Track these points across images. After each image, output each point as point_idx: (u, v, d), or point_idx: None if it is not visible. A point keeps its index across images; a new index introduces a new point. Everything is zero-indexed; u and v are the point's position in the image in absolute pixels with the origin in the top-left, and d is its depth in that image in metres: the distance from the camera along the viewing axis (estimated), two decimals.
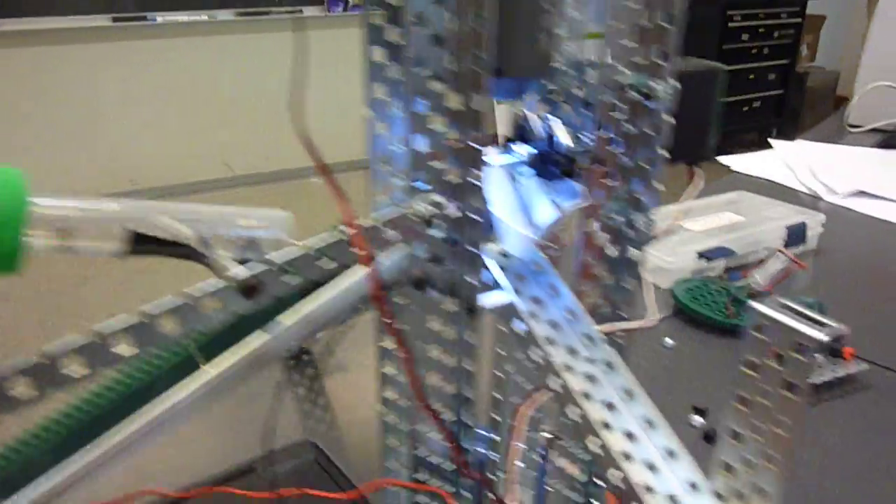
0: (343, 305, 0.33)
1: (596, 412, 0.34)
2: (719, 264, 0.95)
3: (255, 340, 0.32)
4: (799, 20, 4.42)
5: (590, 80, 0.36)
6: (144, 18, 3.18)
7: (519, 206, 0.37)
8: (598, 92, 0.35)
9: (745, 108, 4.45)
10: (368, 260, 0.29)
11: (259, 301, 0.29)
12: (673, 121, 0.35)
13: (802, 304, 0.73)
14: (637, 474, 0.32)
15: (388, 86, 0.33)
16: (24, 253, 0.25)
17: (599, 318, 0.42)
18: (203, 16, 3.26)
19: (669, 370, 0.77)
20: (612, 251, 0.39)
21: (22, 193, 0.25)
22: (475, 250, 0.34)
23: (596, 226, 0.39)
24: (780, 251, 0.96)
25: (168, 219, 0.28)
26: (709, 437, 0.66)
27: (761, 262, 0.97)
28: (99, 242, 0.27)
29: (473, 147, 0.33)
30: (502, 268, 0.40)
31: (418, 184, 0.32)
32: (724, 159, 1.47)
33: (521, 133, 0.37)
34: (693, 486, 0.33)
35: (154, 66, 3.22)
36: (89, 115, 3.10)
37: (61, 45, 3.02)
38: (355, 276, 0.33)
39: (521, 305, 0.38)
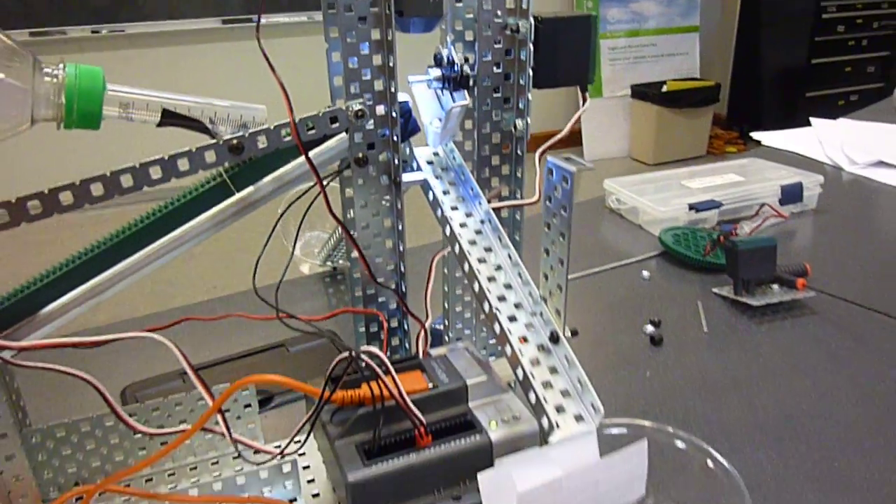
0: (303, 170, 0.50)
1: (476, 252, 0.50)
2: (711, 216, 1.06)
3: (247, 191, 0.49)
4: None
5: (478, 21, 0.51)
6: (250, 20, 3.50)
7: (433, 112, 0.53)
8: (483, 28, 0.50)
9: (842, 102, 4.35)
10: (297, 139, 0.45)
11: (243, 157, 0.46)
12: (532, 47, 0.50)
13: (756, 239, 0.85)
14: (494, 298, 0.47)
15: (339, 27, 0.49)
16: (102, 116, 0.43)
17: (503, 201, 0.57)
18: (303, 17, 3.55)
19: (641, 296, 0.90)
20: (506, 148, 0.54)
21: (102, 81, 0.43)
22: (397, 139, 0.50)
23: (489, 127, 0.54)
24: (768, 205, 1.06)
25: (189, 103, 0.46)
26: (654, 340, 0.79)
27: (754, 216, 1.08)
28: (145, 115, 0.45)
29: (390, 66, 0.49)
30: (430, 162, 0.56)
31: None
32: (756, 135, 1.55)
33: (438, 60, 0.53)
34: (541, 317, 0.47)
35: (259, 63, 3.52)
36: None
37: (176, 45, 3.38)
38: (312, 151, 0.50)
39: (438, 184, 0.54)
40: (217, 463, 0.60)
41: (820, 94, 4.24)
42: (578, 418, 0.42)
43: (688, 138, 4.14)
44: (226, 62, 3.45)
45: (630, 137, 4.24)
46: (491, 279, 0.48)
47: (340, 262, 0.96)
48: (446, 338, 0.65)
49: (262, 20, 3.53)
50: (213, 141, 0.45)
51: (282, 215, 0.60)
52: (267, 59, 0.44)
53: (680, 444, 0.48)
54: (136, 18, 3.28)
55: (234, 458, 0.60)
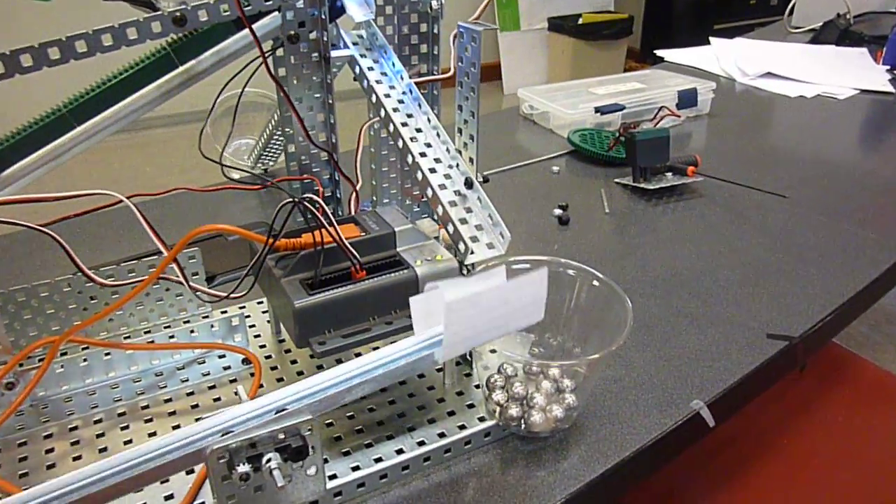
0: (245, 43, 0.55)
1: (399, 118, 0.56)
2: (615, 119, 1.15)
3: (190, 63, 0.54)
4: None
5: None
6: None
7: None
8: None
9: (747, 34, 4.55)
10: (241, 10, 0.50)
11: (186, 28, 0.51)
12: None
13: (652, 131, 0.94)
14: (417, 154, 0.54)
15: None
16: None
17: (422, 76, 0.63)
18: None
19: (551, 187, 0.99)
20: (423, 28, 0.61)
21: None
22: (325, 17, 0.56)
23: (407, 7, 0.60)
24: (666, 107, 1.16)
25: None
26: (561, 220, 0.88)
27: (653, 119, 1.18)
28: None
29: None
30: (355, 42, 0.62)
31: None
32: (660, 52, 1.65)
33: None
34: (459, 168, 0.55)
35: None
36: None
37: None
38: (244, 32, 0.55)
39: (364, 60, 0.60)
40: (169, 327, 0.66)
41: (727, 27, 4.41)
42: (490, 245, 0.50)
43: (603, 69, 4.25)
44: None
45: (548, 70, 4.33)
46: (413, 139, 0.55)
47: (271, 163, 1.00)
48: (374, 181, 0.72)
49: None
50: (159, 12, 0.50)
51: (219, 94, 0.65)
52: None
53: (571, 271, 0.57)
54: None
55: (185, 322, 0.66)
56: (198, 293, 0.53)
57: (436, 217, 0.52)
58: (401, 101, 0.57)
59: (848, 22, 1.74)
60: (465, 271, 0.53)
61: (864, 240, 0.83)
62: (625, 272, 0.77)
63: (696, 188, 0.96)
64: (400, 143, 0.54)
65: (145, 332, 0.65)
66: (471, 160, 0.54)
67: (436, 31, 0.61)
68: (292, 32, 0.56)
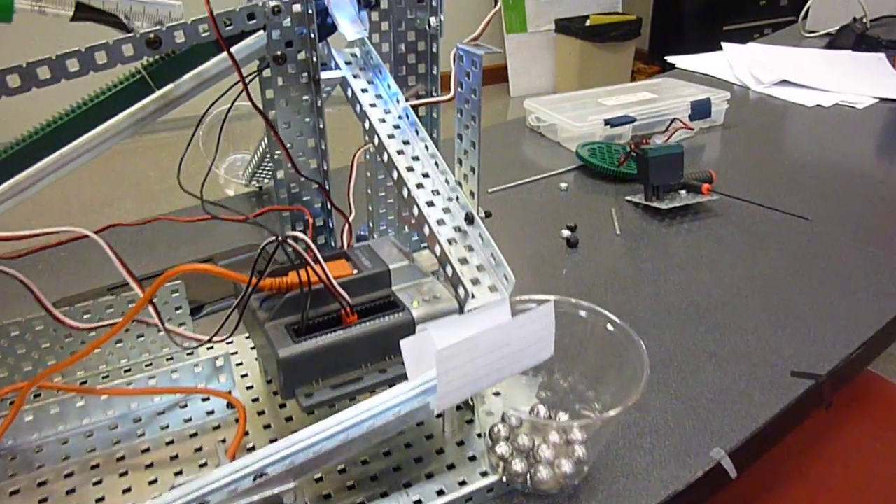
0: (223, 67, 0.51)
1: (394, 146, 0.52)
2: (625, 131, 1.11)
3: (167, 88, 0.50)
4: None
5: None
6: None
7: (349, 12, 0.54)
8: None
9: (757, 35, 4.45)
10: (218, 33, 0.46)
11: (161, 51, 0.47)
12: None
13: (665, 147, 0.90)
14: (413, 185, 0.50)
15: None
16: (13, 9, 0.43)
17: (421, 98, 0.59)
18: None
19: (559, 205, 0.94)
20: (421, 47, 0.56)
21: None
22: (314, 36, 0.52)
23: (404, 25, 0.55)
24: (678, 119, 1.11)
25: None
26: (570, 242, 0.83)
27: (665, 131, 1.13)
28: (58, 8, 0.45)
29: None
30: (348, 62, 0.57)
31: None
32: (671, 58, 1.60)
33: None
34: (458, 200, 0.50)
35: None
36: None
37: None
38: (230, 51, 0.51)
39: (356, 82, 0.55)
40: (151, 365, 0.62)
41: (737, 28, 4.35)
42: (493, 289, 0.46)
43: (611, 72, 4.21)
44: None
45: (555, 72, 4.27)
46: (409, 168, 0.51)
47: (266, 181, 0.96)
48: (369, 207, 0.68)
49: None
50: (131, 34, 0.45)
51: (202, 118, 0.60)
52: None
53: (582, 313, 0.53)
54: None
55: (168, 360, 0.62)
56: (175, 338, 0.49)
57: (434, 256, 0.48)
58: (396, 127, 0.53)
59: (864, 26, 1.68)
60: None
61: (893, 264, 0.78)
62: (638, 301, 0.72)
63: (712, 207, 0.92)
64: (395, 174, 0.50)
65: (125, 371, 0.61)
66: (472, 194, 0.50)
67: (434, 49, 0.56)
68: (279, 53, 0.52)
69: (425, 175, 0.51)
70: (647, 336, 0.66)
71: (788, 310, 0.71)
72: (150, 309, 0.48)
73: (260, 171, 0.94)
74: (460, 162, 0.51)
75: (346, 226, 0.56)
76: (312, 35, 0.52)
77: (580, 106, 1.17)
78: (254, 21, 0.50)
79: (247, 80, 0.52)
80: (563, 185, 0.99)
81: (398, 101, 0.54)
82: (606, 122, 1.08)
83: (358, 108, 0.54)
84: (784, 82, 1.42)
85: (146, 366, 0.61)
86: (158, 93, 0.50)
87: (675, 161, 0.90)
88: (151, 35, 0.46)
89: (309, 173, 0.57)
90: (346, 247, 0.56)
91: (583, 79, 4.09)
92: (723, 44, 1.67)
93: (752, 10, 4.39)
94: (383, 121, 0.53)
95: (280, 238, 0.47)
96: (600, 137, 1.09)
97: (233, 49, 0.50)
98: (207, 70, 0.51)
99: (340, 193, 0.59)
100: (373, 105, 0.54)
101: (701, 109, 1.15)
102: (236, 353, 0.63)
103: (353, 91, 0.54)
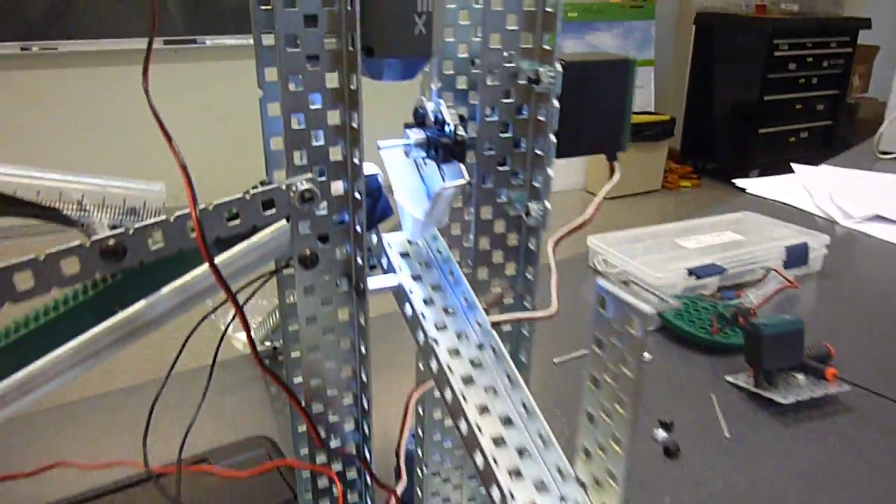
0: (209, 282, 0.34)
1: (474, 398, 0.34)
2: (711, 282, 0.93)
3: (135, 308, 0.33)
4: (849, 50, 4.34)
5: (478, 65, 0.36)
6: (194, 41, 3.31)
7: (413, 189, 0.38)
8: (488, 77, 0.36)
9: (793, 139, 4.38)
10: (200, 238, 0.29)
11: (125, 264, 0.30)
12: (557, 105, 0.35)
13: (781, 322, 0.72)
14: (504, 459, 0.32)
15: (279, 67, 0.34)
16: None
17: (505, 309, 0.41)
18: (249, 40, 3.37)
19: (646, 386, 0.76)
20: (512, 240, 0.39)
21: None
22: (359, 229, 0.35)
23: (490, 212, 0.39)
24: (774, 270, 0.94)
25: (42, 182, 0.29)
26: (669, 451, 0.64)
27: (758, 282, 0.95)
28: None
29: (352, 126, 0.33)
30: (405, 254, 0.40)
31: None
32: (740, 182, 1.45)
33: (419, 118, 0.38)
34: (560, 472, 0.32)
35: (202, 87, 3.34)
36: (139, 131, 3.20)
37: (115, 66, 3.15)
38: (241, 247, 0.34)
39: (418, 291, 0.38)
40: None
41: (771, 131, 4.25)
42: None
43: (643, 172, 4.11)
44: (167, 85, 3.24)
45: (586, 170, 4.18)
46: (498, 441, 0.33)
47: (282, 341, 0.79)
48: (420, 471, 0.49)
49: (207, 42, 3.36)
50: (77, 242, 0.29)
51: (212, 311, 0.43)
52: (154, 112, 0.28)
53: None
54: (70, 35, 3.05)
55: None
56: None
57: None
58: (476, 365, 0.35)
59: None
60: None
61: None
62: None
63: (841, 399, 0.72)
64: (479, 461, 0.32)
65: None
66: None
67: (533, 246, 0.39)
68: (307, 252, 0.35)
69: (522, 451, 0.33)
70: None
71: None
72: None
73: (277, 330, 0.76)
74: (587, 453, 0.32)
75: (392, 500, 0.37)
76: (358, 227, 0.35)
77: (654, 248, 0.99)
78: (273, 211, 0.34)
79: (253, 288, 0.35)
80: (647, 356, 0.80)
81: (478, 321, 0.37)
82: (691, 273, 0.91)
83: (420, 336, 0.36)
84: (877, 217, 1.25)
85: None
86: (122, 315, 0.33)
87: (794, 339, 0.72)
88: (111, 241, 0.29)
89: (343, 435, 0.39)
90: None
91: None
92: (793, 165, 1.51)
93: (787, 113, 4.29)
94: (456, 353, 0.36)
95: None
96: (682, 289, 0.91)
97: (236, 249, 0.34)
98: (197, 280, 0.34)
99: (389, 444, 0.41)
100: (441, 327, 0.37)
101: (797, 256, 0.98)
102: None
103: (412, 309, 0.37)
